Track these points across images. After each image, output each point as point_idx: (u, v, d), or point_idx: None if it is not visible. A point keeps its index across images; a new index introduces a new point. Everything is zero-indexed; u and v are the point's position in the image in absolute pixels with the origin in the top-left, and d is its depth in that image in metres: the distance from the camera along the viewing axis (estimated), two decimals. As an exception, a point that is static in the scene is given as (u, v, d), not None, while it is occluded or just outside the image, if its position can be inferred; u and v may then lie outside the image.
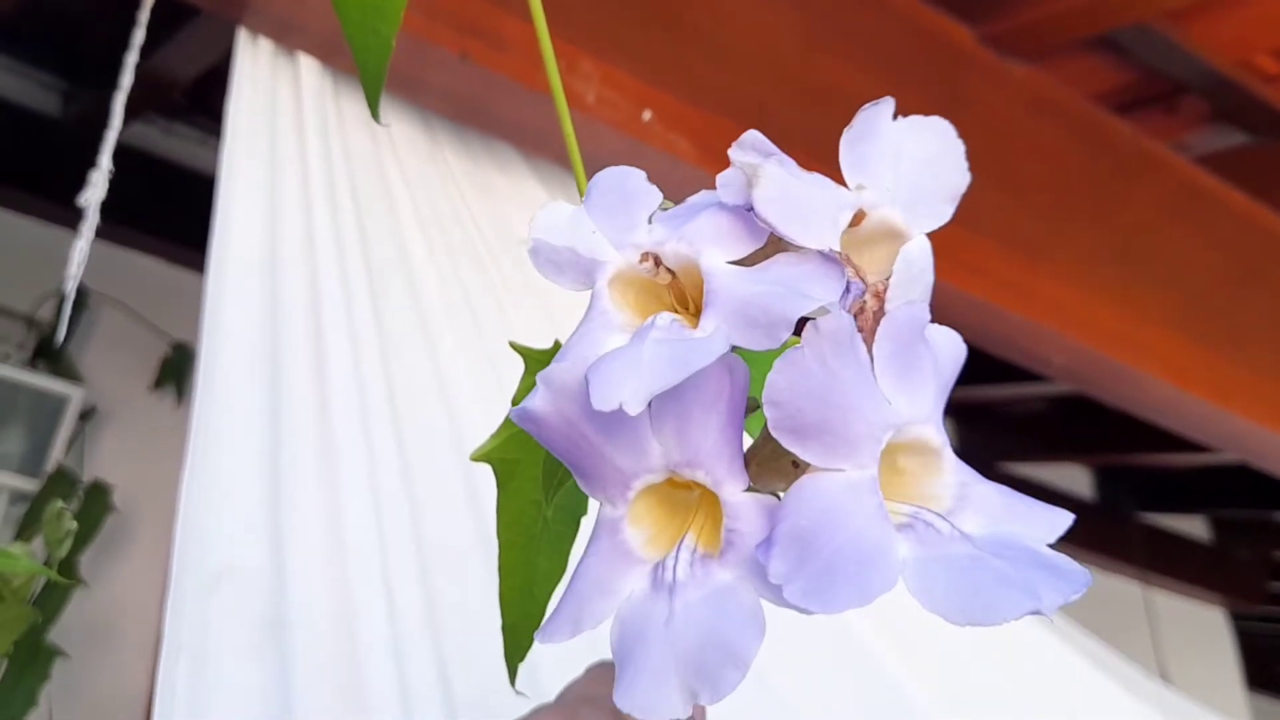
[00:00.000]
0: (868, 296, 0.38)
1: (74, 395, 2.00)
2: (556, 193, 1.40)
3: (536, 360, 0.48)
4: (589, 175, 0.42)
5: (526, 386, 0.48)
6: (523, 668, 0.53)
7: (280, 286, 1.14)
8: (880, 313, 0.38)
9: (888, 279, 0.39)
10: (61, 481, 1.93)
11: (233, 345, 1.09)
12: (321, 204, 1.21)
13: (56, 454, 1.97)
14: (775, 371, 0.35)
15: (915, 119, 0.42)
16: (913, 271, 0.39)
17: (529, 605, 0.51)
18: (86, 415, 2.06)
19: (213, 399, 1.05)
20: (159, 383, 2.16)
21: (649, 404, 0.37)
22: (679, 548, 0.37)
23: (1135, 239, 1.92)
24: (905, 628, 1.25)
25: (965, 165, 0.41)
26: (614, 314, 0.39)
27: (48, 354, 2.03)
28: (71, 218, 2.06)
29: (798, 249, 0.38)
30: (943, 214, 0.40)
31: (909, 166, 0.40)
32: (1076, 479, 3.28)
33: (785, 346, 0.36)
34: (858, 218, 0.39)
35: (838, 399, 0.35)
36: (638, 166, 0.41)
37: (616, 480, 0.38)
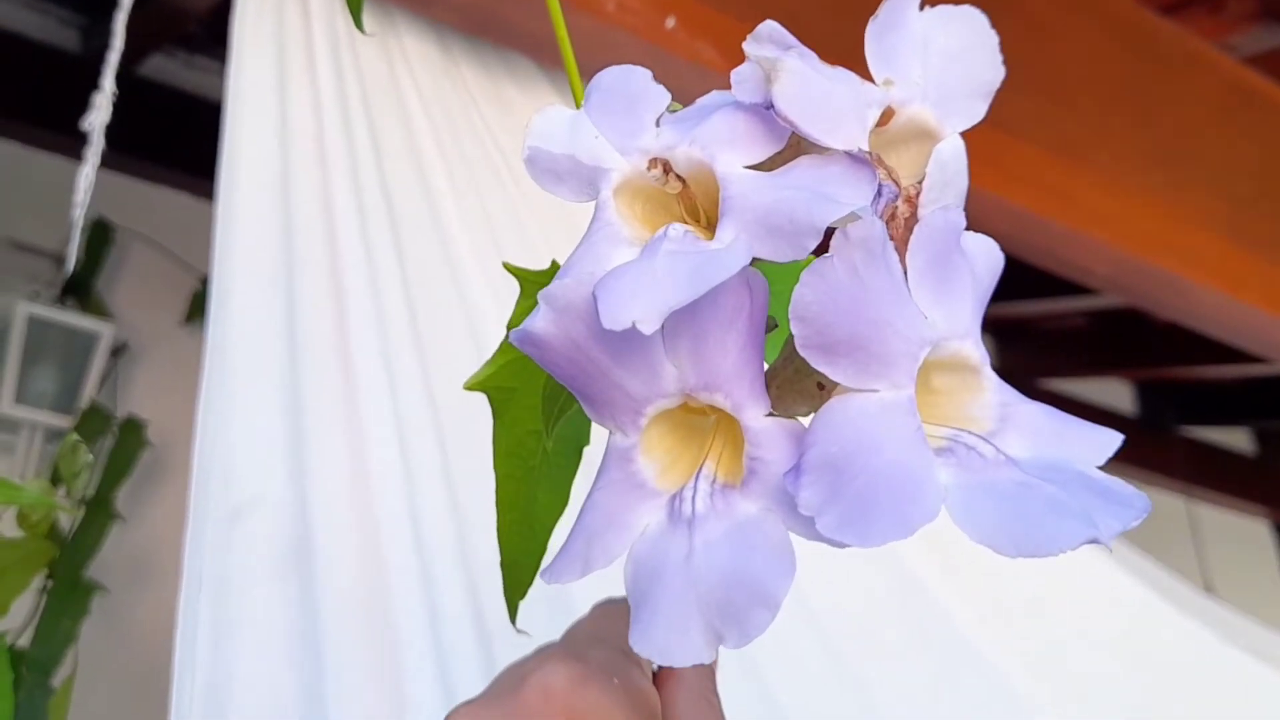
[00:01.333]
0: (899, 202, 0.35)
1: (104, 332, 2.00)
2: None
3: (533, 282, 0.45)
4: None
5: (523, 310, 0.45)
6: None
7: (293, 211, 1.11)
8: (913, 219, 0.35)
9: (919, 183, 0.35)
10: (95, 418, 1.93)
11: (245, 272, 1.06)
12: (333, 123, 1.17)
13: (89, 391, 1.97)
14: (802, 284, 0.31)
15: (944, 8, 0.38)
16: (947, 174, 0.35)
17: (529, 541, 0.48)
18: (118, 351, 2.05)
19: (227, 327, 1.03)
20: (190, 317, 2.14)
21: (667, 323, 0.34)
22: (697, 478, 0.35)
23: (1181, 142, 1.86)
24: (947, 543, 1.22)
25: (999, 58, 0.37)
26: (621, 226, 0.35)
27: (77, 291, 2.02)
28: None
29: (822, 150, 0.34)
30: (976, 111, 0.37)
31: (939, 60, 0.37)
32: (1117, 394, 3.23)
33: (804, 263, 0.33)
34: (885, 116, 0.36)
35: (870, 312, 0.32)
36: (660, 77, 0.38)
37: (627, 406, 0.35)
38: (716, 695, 0.47)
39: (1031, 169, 1.64)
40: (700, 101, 0.37)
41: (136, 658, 1.92)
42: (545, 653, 0.45)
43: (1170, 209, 1.80)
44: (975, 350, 0.35)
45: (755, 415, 0.34)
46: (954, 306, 0.34)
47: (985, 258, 0.36)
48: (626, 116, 0.36)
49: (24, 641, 1.60)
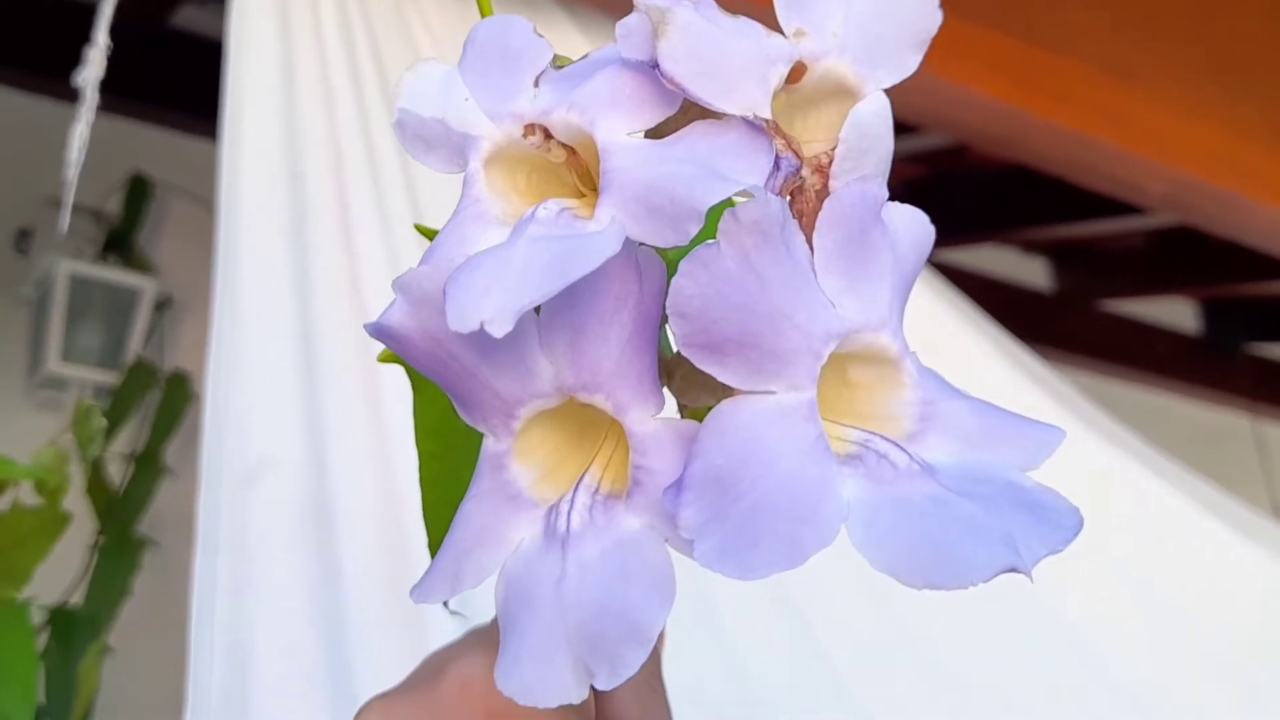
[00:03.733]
0: (806, 173, 0.30)
1: (147, 287, 1.98)
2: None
3: (439, 243, 0.41)
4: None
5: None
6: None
7: (301, 160, 1.06)
8: (824, 192, 0.30)
9: (834, 149, 0.31)
10: (141, 373, 1.90)
11: (253, 224, 1.02)
12: (339, 69, 1.12)
13: (135, 346, 1.96)
14: (682, 275, 0.27)
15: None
16: (866, 139, 0.31)
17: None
18: (163, 306, 2.03)
19: (236, 282, 0.99)
20: (233, 269, 2.12)
21: (538, 313, 0.30)
22: (577, 488, 0.31)
23: (1236, 53, 1.76)
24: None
25: (936, 1, 0.32)
26: (491, 202, 0.31)
27: (119, 247, 2.00)
28: (132, 108, 2.01)
29: (718, 116, 0.30)
30: (907, 64, 0.32)
31: (864, 4, 0.32)
32: (1181, 313, 3.14)
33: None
34: (797, 73, 0.31)
35: (764, 306, 0.28)
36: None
37: (497, 408, 0.31)
38: (661, 681, 0.44)
39: (1078, 87, 1.56)
40: (590, 56, 0.32)
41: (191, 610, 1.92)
42: (471, 638, 0.42)
43: (1225, 123, 1.72)
44: (893, 342, 0.30)
45: (641, 418, 0.30)
46: (869, 292, 0.30)
47: (910, 232, 0.32)
48: (503, 76, 0.32)
49: (77, 598, 1.60)
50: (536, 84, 0.32)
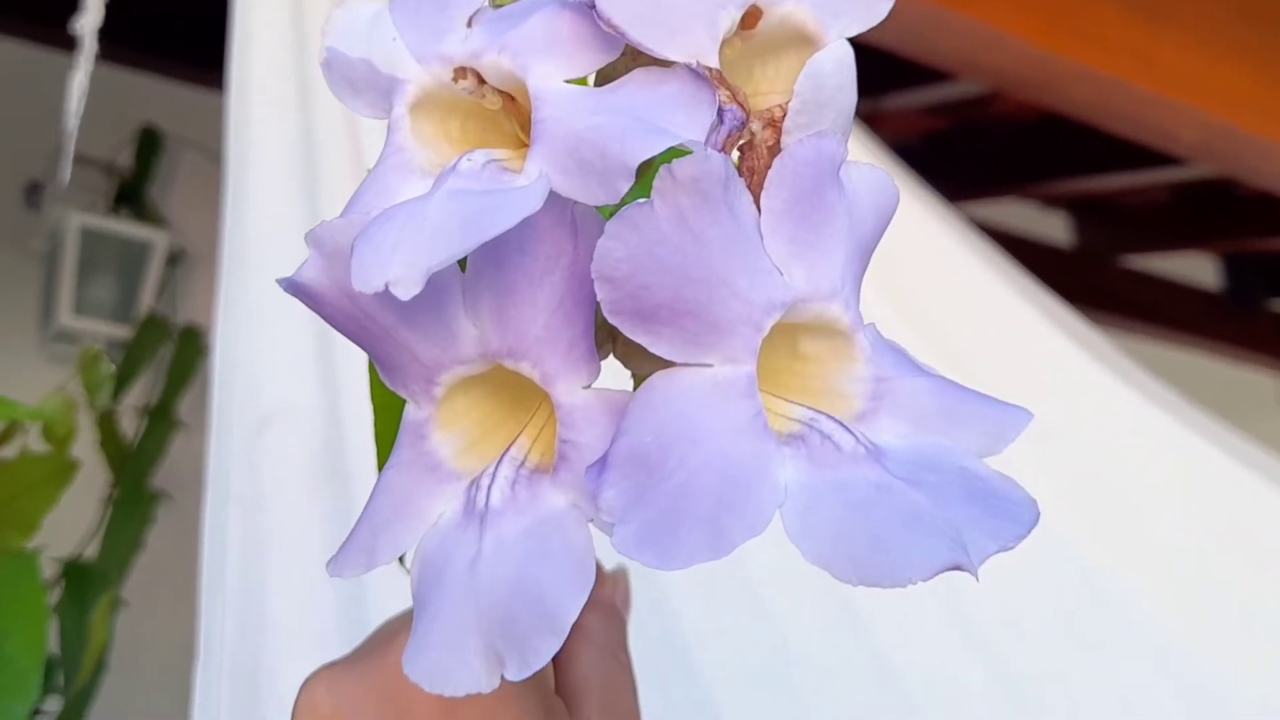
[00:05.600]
0: (756, 127, 0.28)
1: (159, 240, 1.96)
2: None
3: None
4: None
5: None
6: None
7: (312, 107, 1.04)
8: (777, 148, 0.28)
9: (788, 103, 0.28)
10: (153, 327, 1.89)
11: (262, 174, 0.99)
12: None
13: (147, 299, 1.95)
14: (609, 236, 0.25)
15: None
16: (823, 92, 0.28)
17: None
18: (176, 259, 2.02)
19: (243, 230, 0.96)
20: (246, 223, 2.11)
21: (467, 273, 0.28)
22: (500, 461, 0.28)
23: (1274, -8, 1.72)
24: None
25: (908, -60, 0.30)
26: (415, 151, 0.29)
27: (130, 199, 1.99)
28: (143, 60, 1.98)
29: (662, 63, 0.28)
30: (873, 11, 0.30)
31: (829, -58, 0.29)
32: (1203, 269, 3.08)
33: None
34: (752, 17, 0.29)
35: (701, 271, 0.26)
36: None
37: (418, 373, 0.29)
38: (627, 653, 0.42)
39: (1109, 29, 1.51)
40: (533, -7, 0.30)
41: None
42: None
43: (1261, 67, 1.66)
44: (844, 313, 0.28)
45: (570, 388, 0.28)
46: (820, 258, 0.28)
47: (871, 195, 0.29)
48: (433, 14, 0.29)
49: (90, 552, 1.60)
50: (470, 24, 0.29)
